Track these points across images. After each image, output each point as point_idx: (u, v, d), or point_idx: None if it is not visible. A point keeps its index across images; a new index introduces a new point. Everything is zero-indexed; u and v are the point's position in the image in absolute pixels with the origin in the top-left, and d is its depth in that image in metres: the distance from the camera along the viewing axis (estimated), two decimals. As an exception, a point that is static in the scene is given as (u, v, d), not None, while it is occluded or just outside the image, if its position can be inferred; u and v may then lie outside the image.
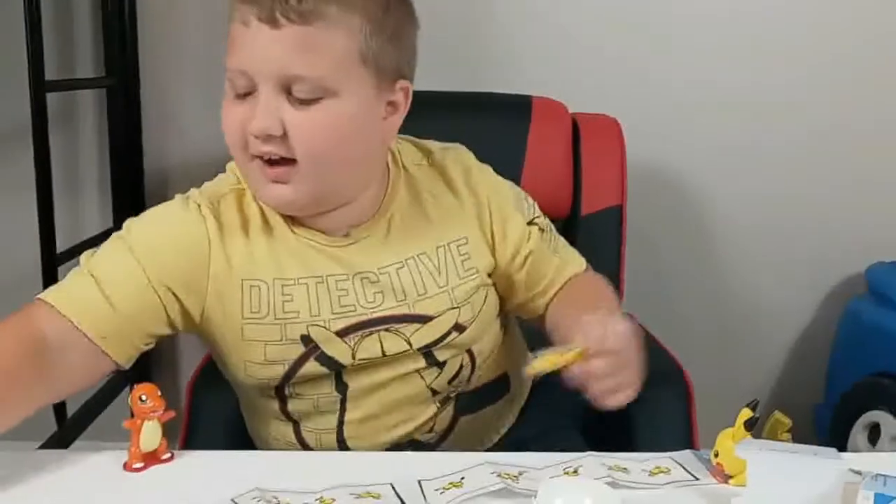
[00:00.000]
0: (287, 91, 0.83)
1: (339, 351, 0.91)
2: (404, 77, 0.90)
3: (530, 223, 1.00)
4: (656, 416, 1.08)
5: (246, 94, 0.84)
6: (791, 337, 1.92)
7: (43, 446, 1.47)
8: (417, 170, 0.99)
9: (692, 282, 1.88)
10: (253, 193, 0.92)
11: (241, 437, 1.07)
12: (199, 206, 0.91)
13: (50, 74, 1.44)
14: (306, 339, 0.90)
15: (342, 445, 0.96)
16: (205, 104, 1.75)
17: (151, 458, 0.80)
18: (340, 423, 0.95)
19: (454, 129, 1.12)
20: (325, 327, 0.90)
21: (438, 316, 0.93)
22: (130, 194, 1.74)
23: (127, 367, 0.89)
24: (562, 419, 1.08)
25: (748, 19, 1.75)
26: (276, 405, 0.96)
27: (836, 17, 1.74)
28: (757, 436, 0.77)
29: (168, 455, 0.81)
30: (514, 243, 0.98)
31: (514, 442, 1.06)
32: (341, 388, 0.94)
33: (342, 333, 0.91)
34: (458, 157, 1.01)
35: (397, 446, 0.97)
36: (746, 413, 0.74)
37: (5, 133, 1.75)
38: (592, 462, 0.80)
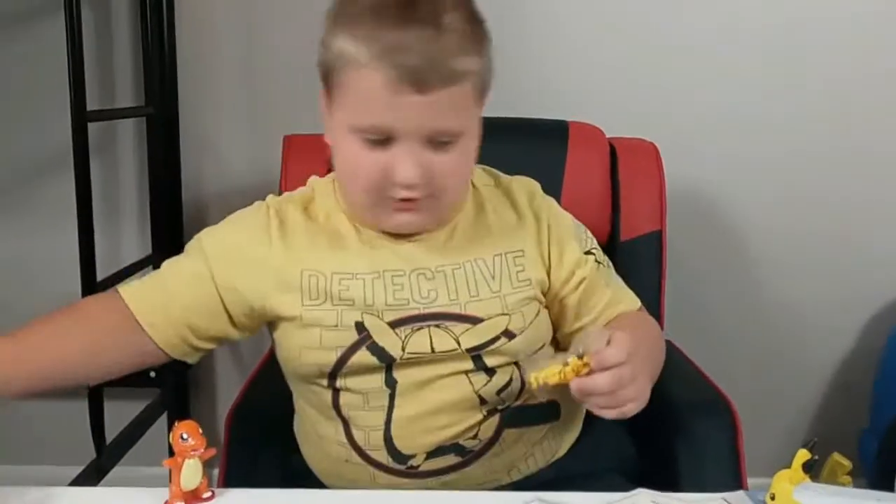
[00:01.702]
0: (429, 139, 0.89)
1: (389, 342, 0.94)
2: None
3: (587, 253, 1.04)
4: (702, 451, 1.05)
5: (380, 142, 0.89)
6: (835, 361, 1.88)
7: (83, 473, 1.48)
8: (485, 189, 1.05)
9: (731, 305, 1.85)
10: (369, 220, 0.97)
11: (281, 470, 1.06)
12: (268, 207, 1.01)
13: (90, 104, 1.46)
14: (360, 327, 0.95)
15: (389, 444, 0.97)
16: (243, 133, 1.77)
17: (192, 498, 0.79)
18: (388, 421, 0.97)
19: (492, 155, 1.11)
20: (378, 316, 0.94)
21: (488, 319, 0.96)
22: (169, 222, 1.75)
23: (191, 360, 0.99)
24: (611, 461, 1.07)
25: (782, 35, 1.71)
26: (328, 398, 0.98)
27: (880, 32, 1.71)
28: (815, 478, 0.74)
29: (209, 493, 0.81)
30: (569, 267, 1.02)
31: (559, 471, 1.06)
32: (391, 382, 0.96)
33: (394, 325, 0.95)
34: (524, 183, 1.08)
35: (442, 449, 0.98)
36: (804, 454, 0.71)
37: (47, 162, 1.77)
38: (644, 500, 0.78)
